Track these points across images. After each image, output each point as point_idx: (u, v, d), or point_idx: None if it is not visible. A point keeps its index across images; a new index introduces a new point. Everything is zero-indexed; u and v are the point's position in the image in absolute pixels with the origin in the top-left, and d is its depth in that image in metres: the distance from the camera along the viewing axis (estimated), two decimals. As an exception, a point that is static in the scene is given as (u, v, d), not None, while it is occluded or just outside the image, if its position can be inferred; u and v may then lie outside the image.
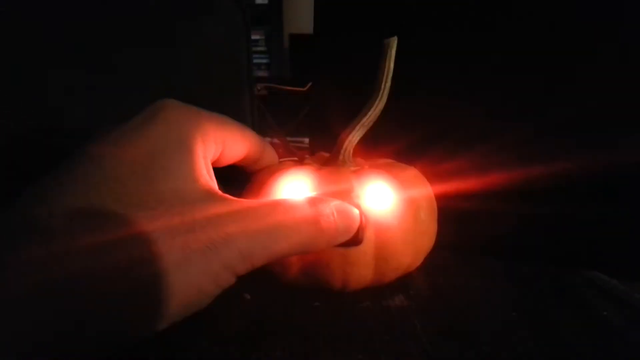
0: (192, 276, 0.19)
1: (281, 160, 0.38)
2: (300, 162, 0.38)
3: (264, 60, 2.22)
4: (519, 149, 0.39)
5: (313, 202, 0.26)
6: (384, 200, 0.31)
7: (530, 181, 0.38)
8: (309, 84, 0.66)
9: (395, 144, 0.41)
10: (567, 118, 0.38)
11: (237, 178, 0.42)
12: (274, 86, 1.08)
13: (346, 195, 0.31)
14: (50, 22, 0.33)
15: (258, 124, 0.46)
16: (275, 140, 0.67)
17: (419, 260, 0.35)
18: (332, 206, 0.26)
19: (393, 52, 0.34)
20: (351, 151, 0.36)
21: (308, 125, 0.65)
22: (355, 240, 0.31)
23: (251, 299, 0.34)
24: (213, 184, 0.23)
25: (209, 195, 0.20)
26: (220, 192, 0.22)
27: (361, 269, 0.31)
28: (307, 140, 0.73)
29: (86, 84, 0.35)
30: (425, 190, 0.35)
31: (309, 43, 0.49)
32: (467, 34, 0.40)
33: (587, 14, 0.37)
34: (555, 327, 0.31)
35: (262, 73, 2.16)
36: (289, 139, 0.76)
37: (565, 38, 0.38)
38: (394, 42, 0.34)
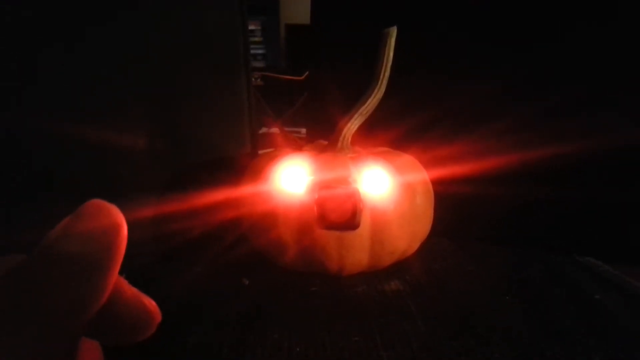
0: None
1: (280, 147, 0.38)
2: (298, 149, 0.38)
3: (260, 51, 2.21)
4: (513, 136, 0.39)
5: None
6: (380, 185, 0.32)
7: (524, 168, 0.39)
8: (306, 73, 0.66)
9: (392, 131, 0.41)
10: (561, 104, 0.38)
11: (227, 166, 0.42)
12: (271, 75, 1.06)
13: (344, 180, 0.31)
14: (41, 9, 0.32)
15: (255, 114, 0.46)
16: (273, 130, 0.67)
17: (415, 246, 0.36)
18: None
19: (392, 42, 0.34)
20: (349, 138, 0.36)
21: (305, 115, 0.65)
22: (351, 224, 0.31)
23: (249, 284, 0.35)
24: None
25: None
26: None
27: (357, 253, 0.32)
28: (303, 130, 0.73)
29: (78, 72, 0.34)
30: (421, 176, 0.35)
31: (305, 33, 0.50)
32: (463, 22, 0.41)
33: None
34: (548, 310, 0.32)
35: (257, 64, 2.15)
36: (285, 129, 0.76)
37: (560, 22, 0.38)
38: (393, 31, 0.34)
